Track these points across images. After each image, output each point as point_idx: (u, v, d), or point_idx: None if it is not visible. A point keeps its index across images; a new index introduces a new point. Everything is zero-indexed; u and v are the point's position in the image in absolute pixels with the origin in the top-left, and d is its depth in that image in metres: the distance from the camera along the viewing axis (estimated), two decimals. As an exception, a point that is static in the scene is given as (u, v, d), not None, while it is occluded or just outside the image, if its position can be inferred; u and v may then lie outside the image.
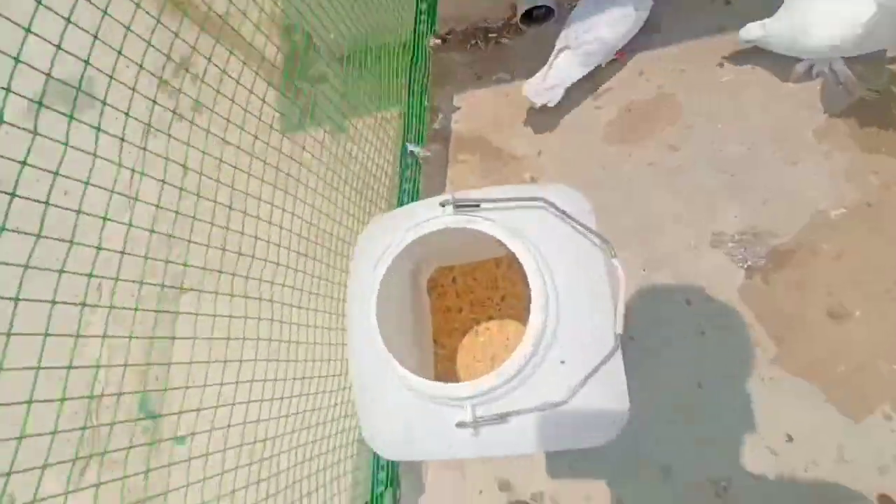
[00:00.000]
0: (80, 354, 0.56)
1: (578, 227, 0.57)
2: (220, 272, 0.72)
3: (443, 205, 0.60)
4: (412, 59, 1.22)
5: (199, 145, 0.68)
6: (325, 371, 0.90)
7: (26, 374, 0.49)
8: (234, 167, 0.73)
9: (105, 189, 0.56)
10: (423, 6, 1.26)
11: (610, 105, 1.19)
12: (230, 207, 0.74)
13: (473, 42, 1.30)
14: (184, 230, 0.67)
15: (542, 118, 1.22)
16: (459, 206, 0.59)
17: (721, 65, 1.15)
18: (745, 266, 1.03)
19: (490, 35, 1.30)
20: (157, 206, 0.65)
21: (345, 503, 0.97)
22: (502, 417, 0.55)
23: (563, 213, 0.57)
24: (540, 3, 1.21)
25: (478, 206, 0.59)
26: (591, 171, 1.17)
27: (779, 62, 1.10)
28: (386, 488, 1.01)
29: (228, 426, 0.73)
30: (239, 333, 0.73)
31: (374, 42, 1.10)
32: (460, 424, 0.56)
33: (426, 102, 1.25)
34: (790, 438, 0.94)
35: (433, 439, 0.59)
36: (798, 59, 1.08)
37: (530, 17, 1.26)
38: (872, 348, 0.94)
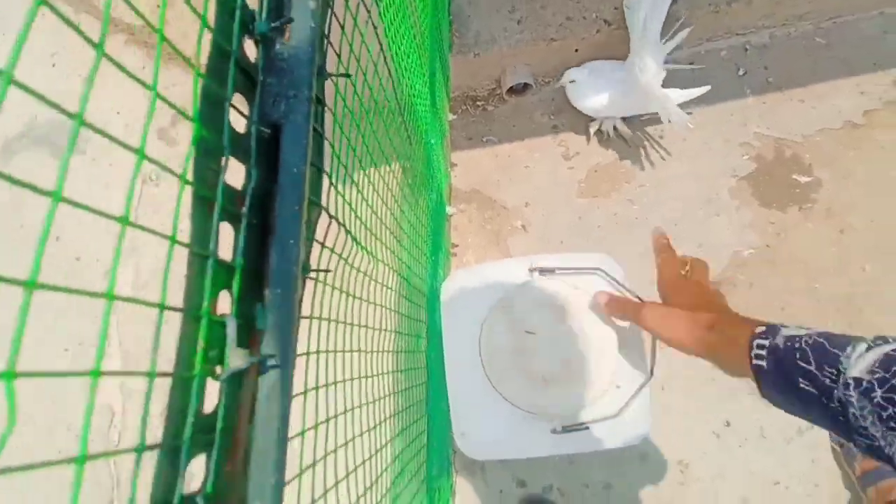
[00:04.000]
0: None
1: (623, 288, 0.82)
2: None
3: (531, 271, 0.81)
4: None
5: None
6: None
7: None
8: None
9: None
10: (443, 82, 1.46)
11: (580, 167, 1.47)
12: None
13: (463, 108, 1.53)
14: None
15: (527, 175, 1.47)
16: (542, 271, 0.81)
17: (662, 137, 1.48)
18: (688, 294, 1.36)
19: (478, 103, 1.53)
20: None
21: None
22: (581, 426, 0.78)
23: (614, 279, 0.81)
24: (520, 81, 1.47)
25: (553, 272, 0.82)
26: (569, 219, 1.44)
27: (708, 141, 1.46)
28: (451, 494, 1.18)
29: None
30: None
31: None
32: (554, 431, 0.77)
33: (449, 167, 1.45)
34: (728, 424, 1.28)
35: (524, 441, 0.80)
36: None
37: (512, 89, 1.51)
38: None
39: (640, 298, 0.80)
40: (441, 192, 1.21)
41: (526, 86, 1.51)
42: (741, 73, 1.50)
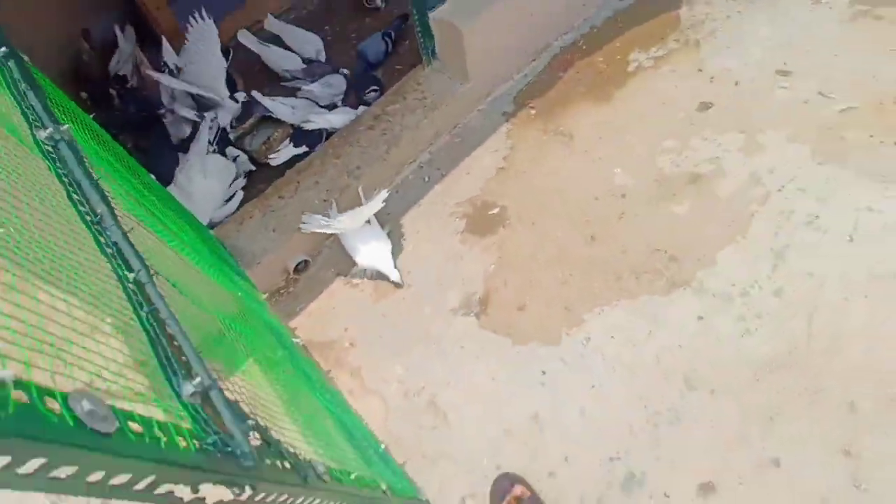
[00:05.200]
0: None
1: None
2: None
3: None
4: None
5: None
6: None
7: None
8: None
9: None
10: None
11: (367, 289, 2.04)
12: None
13: (276, 297, 2.07)
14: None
15: (335, 314, 1.99)
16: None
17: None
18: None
19: (281, 291, 2.08)
20: None
21: None
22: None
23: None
24: (299, 260, 2.07)
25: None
26: (379, 325, 1.95)
27: (430, 226, 2.13)
28: None
29: None
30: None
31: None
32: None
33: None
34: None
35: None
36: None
37: (296, 269, 2.10)
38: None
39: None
40: (290, 346, 1.67)
41: (306, 262, 2.11)
42: (426, 179, 2.26)
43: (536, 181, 2.18)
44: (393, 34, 2.58)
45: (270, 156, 2.29)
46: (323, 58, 2.61)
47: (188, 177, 2.15)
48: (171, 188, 2.17)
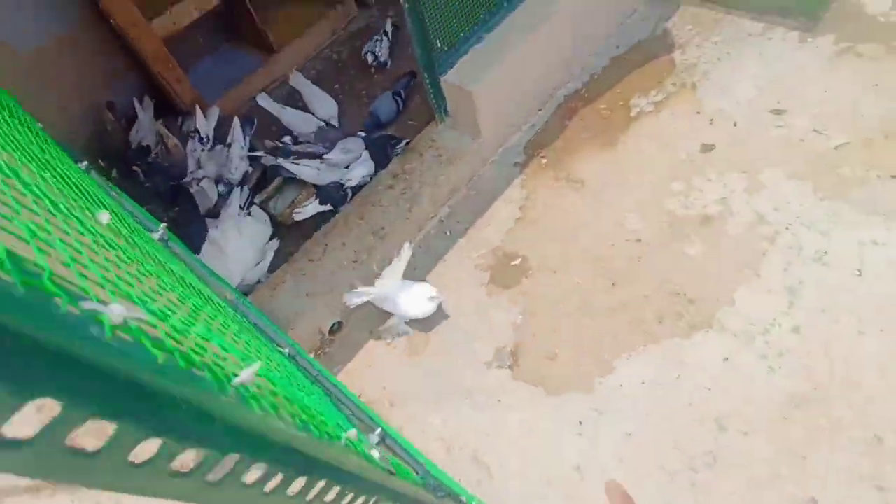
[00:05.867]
0: None
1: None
2: None
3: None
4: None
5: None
6: None
7: None
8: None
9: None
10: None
11: (401, 347, 2.11)
12: None
13: (316, 355, 2.14)
14: None
15: (372, 370, 2.06)
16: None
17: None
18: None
19: (319, 353, 2.15)
20: None
21: None
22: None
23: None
24: (334, 322, 2.14)
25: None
26: (413, 373, 2.02)
27: (457, 277, 2.21)
28: None
29: None
30: None
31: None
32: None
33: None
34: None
35: None
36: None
37: (331, 330, 2.17)
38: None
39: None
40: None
41: (340, 324, 2.19)
42: (448, 233, 2.36)
43: (553, 229, 2.28)
44: (403, 92, 2.69)
45: (295, 211, 2.38)
46: (336, 122, 2.72)
47: (224, 234, 2.22)
48: (204, 248, 2.24)
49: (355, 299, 2.03)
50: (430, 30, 2.11)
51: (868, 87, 2.36)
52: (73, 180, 1.09)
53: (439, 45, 2.21)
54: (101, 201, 1.07)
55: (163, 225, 1.23)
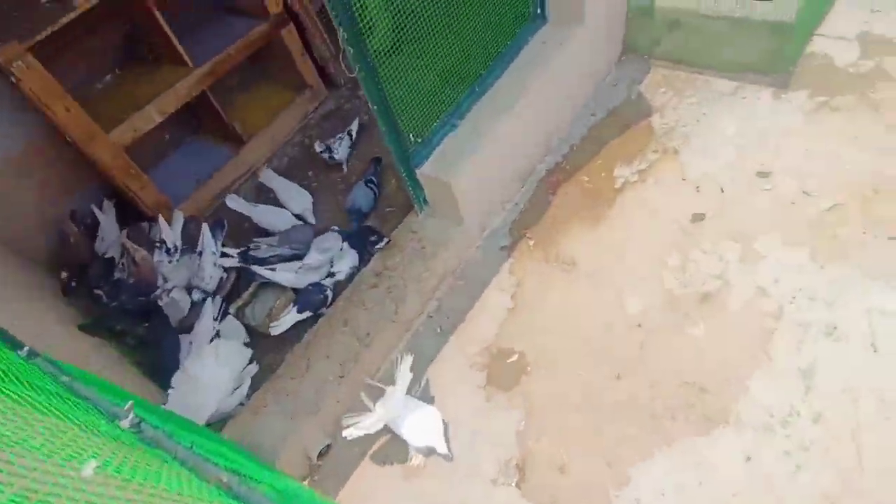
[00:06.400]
0: None
1: None
2: None
3: None
4: None
5: None
6: None
7: None
8: None
9: None
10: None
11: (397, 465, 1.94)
12: None
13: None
14: None
15: (371, 493, 1.89)
16: None
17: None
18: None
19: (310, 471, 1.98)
20: None
21: None
22: None
23: None
24: (322, 445, 1.97)
25: None
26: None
27: (450, 382, 2.07)
28: None
29: None
30: None
31: None
32: None
33: None
34: None
35: None
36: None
37: (320, 454, 1.99)
38: (586, 472, 1.76)
39: None
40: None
41: (328, 446, 2.01)
42: (438, 330, 2.22)
43: (548, 318, 2.16)
44: (375, 179, 2.60)
45: (272, 325, 2.23)
46: (311, 216, 2.61)
47: (201, 363, 2.06)
48: (177, 375, 2.07)
49: (355, 432, 1.86)
50: (400, 123, 2.03)
51: (848, 140, 2.32)
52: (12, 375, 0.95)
53: (412, 138, 2.13)
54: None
55: (129, 403, 1.07)
